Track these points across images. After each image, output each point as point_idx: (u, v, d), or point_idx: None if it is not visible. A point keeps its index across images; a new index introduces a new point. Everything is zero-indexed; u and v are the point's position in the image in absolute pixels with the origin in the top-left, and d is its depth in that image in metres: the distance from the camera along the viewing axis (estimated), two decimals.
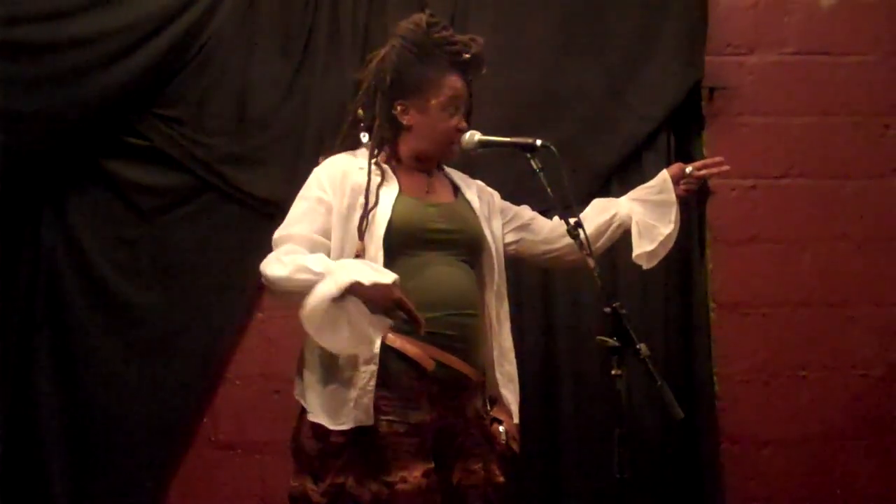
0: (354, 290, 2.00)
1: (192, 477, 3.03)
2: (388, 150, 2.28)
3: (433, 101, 2.23)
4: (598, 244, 2.46)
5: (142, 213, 2.99)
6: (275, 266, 2.12)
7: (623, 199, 2.52)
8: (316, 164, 2.33)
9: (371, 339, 2.06)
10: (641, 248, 2.43)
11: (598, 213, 2.49)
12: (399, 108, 2.26)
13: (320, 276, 2.01)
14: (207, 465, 3.04)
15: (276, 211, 2.96)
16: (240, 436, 3.05)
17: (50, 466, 2.91)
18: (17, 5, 2.85)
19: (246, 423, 3.05)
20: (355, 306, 2.01)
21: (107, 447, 2.94)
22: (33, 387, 2.94)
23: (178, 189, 3.00)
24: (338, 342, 2.04)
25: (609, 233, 2.48)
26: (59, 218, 2.98)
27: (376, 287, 2.01)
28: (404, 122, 2.27)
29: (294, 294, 2.04)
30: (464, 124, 2.27)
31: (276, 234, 2.22)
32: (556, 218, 2.48)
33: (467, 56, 2.24)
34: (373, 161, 2.23)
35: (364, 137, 2.29)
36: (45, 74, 2.88)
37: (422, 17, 2.28)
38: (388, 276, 2.04)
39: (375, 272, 2.03)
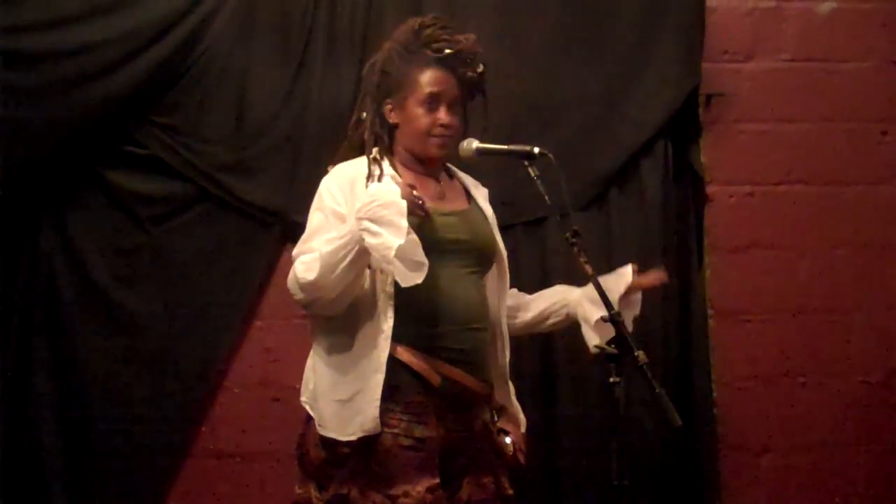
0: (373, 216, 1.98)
1: (190, 486, 3.02)
2: (387, 151, 2.28)
3: (410, 98, 2.24)
4: (542, 327, 2.49)
5: (140, 221, 2.98)
6: (307, 269, 2.09)
7: (578, 291, 2.43)
8: (317, 172, 2.33)
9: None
10: (593, 340, 2.37)
11: (551, 295, 2.47)
12: (387, 107, 2.28)
13: (349, 232, 2.01)
14: (206, 474, 3.03)
15: (275, 219, 2.98)
16: (239, 444, 3.04)
17: (49, 476, 2.91)
18: (16, 14, 2.86)
19: (245, 431, 3.04)
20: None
21: (105, 456, 2.94)
22: (32, 395, 2.94)
23: (176, 197, 3.00)
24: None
25: (553, 319, 2.46)
26: (57, 226, 2.98)
27: (387, 203, 1.99)
28: (391, 121, 2.28)
29: (338, 269, 2.02)
30: (445, 119, 2.24)
31: (295, 251, 2.19)
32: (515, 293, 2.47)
33: (449, 51, 2.24)
34: (372, 157, 2.22)
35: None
36: (44, 83, 2.88)
37: (418, 20, 2.30)
38: (391, 190, 2.03)
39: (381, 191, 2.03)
